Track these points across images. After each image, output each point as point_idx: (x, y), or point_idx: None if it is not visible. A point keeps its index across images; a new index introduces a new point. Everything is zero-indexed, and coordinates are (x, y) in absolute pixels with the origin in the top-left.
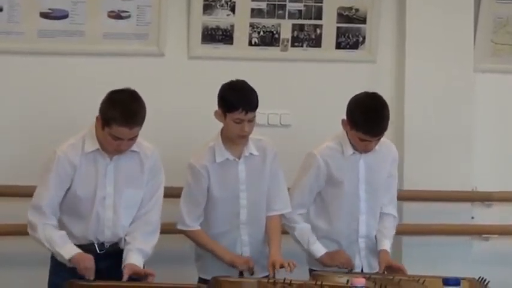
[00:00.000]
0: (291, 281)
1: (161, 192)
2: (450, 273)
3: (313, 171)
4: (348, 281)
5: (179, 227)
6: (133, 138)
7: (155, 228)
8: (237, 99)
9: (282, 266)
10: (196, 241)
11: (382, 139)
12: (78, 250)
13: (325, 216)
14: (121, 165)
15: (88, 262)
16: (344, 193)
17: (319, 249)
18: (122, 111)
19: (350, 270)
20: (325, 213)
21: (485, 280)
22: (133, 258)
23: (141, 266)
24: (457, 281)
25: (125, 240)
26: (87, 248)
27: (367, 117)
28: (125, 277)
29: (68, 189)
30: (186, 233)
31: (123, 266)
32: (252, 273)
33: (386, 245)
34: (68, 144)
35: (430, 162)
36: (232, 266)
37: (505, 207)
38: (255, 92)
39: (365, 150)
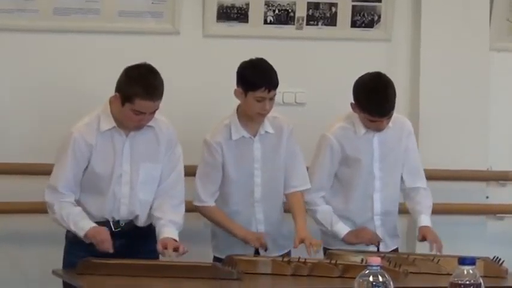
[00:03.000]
0: (305, 259)
1: (181, 165)
2: (464, 252)
3: (327, 153)
4: (362, 259)
5: (195, 203)
6: (154, 112)
7: (181, 201)
8: (260, 77)
9: (311, 244)
10: (210, 218)
11: (395, 115)
12: (93, 224)
13: (340, 195)
14: (137, 141)
15: (104, 234)
16: (359, 172)
17: (343, 229)
18: (144, 85)
19: (378, 246)
20: (340, 193)
21: (499, 259)
22: (168, 232)
23: (177, 238)
24: (472, 261)
25: (155, 217)
26: (102, 225)
27: (371, 98)
28: (166, 255)
29: (86, 168)
30: (201, 210)
31: (158, 241)
32: (265, 250)
33: (423, 221)
34: (83, 123)
35: (445, 141)
36: (245, 242)
37: None
38: (275, 70)
39: (377, 129)
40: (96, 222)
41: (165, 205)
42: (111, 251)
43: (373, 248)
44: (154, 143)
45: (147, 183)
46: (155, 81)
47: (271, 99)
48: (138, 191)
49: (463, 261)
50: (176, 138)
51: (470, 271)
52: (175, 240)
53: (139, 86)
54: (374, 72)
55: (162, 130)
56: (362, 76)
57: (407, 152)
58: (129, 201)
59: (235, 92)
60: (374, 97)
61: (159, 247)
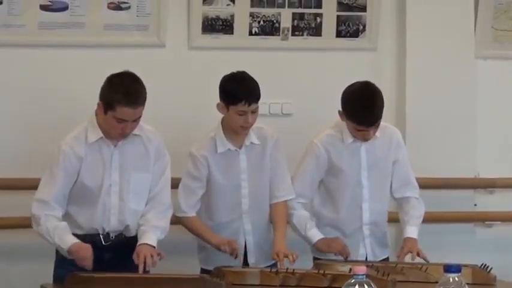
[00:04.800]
0: (293, 270)
1: (168, 173)
2: (453, 260)
3: (313, 160)
4: (350, 269)
5: (176, 213)
6: (137, 120)
7: (168, 207)
8: (240, 91)
9: (285, 256)
10: (189, 228)
11: (384, 124)
12: (77, 240)
13: (330, 204)
14: (126, 151)
15: (86, 252)
16: (346, 181)
17: (315, 235)
18: (124, 92)
19: (346, 258)
20: (329, 202)
21: (488, 267)
22: (146, 237)
23: (154, 243)
24: (458, 268)
25: (138, 224)
26: (92, 239)
27: (359, 107)
28: (140, 267)
29: (76, 180)
30: (181, 220)
31: (138, 244)
32: (235, 257)
33: (408, 232)
34: (71, 136)
35: (432, 150)
36: (218, 249)
37: (507, 194)
38: (257, 82)
39: (364, 139)
40: (86, 234)
41: (150, 213)
42: (90, 268)
43: (361, 258)
44: (143, 152)
45: (138, 193)
46: (136, 88)
47: (253, 112)
48: (128, 201)
49: (448, 268)
50: (164, 146)
51: (456, 278)
52: (152, 246)
53: (120, 93)
54: (363, 81)
55: (150, 139)
56: (351, 85)
57: (397, 163)
58: (118, 211)
59: (218, 106)
60: (361, 106)
61: (134, 257)
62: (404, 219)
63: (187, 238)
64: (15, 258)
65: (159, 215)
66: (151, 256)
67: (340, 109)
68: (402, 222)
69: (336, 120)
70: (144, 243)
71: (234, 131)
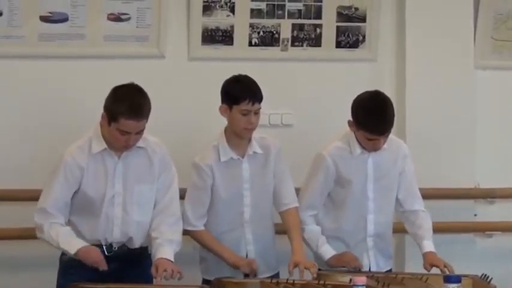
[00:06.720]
0: (293, 280)
1: (176, 184)
2: (454, 270)
3: (322, 172)
4: (350, 280)
5: (184, 227)
6: (140, 132)
7: (178, 218)
8: (244, 90)
9: (306, 268)
10: (200, 241)
11: (390, 137)
12: (83, 244)
13: (333, 215)
14: (129, 163)
15: (95, 255)
16: (352, 192)
17: (328, 252)
18: (128, 104)
19: (359, 270)
20: (333, 213)
21: (488, 277)
22: (163, 252)
23: (172, 258)
24: (458, 279)
25: (152, 237)
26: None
27: (372, 116)
28: (158, 279)
29: (78, 190)
30: (191, 234)
31: (154, 260)
32: (255, 276)
33: (426, 246)
34: (75, 147)
35: (432, 160)
36: (235, 268)
37: (507, 204)
38: (258, 85)
39: (374, 149)
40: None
41: (162, 225)
42: (105, 268)
43: (365, 269)
44: (147, 164)
45: (142, 205)
46: (140, 101)
47: (256, 113)
48: (132, 212)
49: (449, 279)
50: (169, 157)
51: None
52: (171, 261)
53: (124, 105)
54: (373, 90)
55: (154, 151)
56: (361, 94)
57: (404, 175)
58: (121, 222)
59: (220, 109)
60: (373, 114)
61: (153, 270)
62: (418, 234)
63: (188, 248)
64: (18, 270)
65: (172, 227)
66: (173, 270)
67: (350, 119)
68: (416, 236)
69: (344, 131)
70: (163, 258)
71: (238, 134)
